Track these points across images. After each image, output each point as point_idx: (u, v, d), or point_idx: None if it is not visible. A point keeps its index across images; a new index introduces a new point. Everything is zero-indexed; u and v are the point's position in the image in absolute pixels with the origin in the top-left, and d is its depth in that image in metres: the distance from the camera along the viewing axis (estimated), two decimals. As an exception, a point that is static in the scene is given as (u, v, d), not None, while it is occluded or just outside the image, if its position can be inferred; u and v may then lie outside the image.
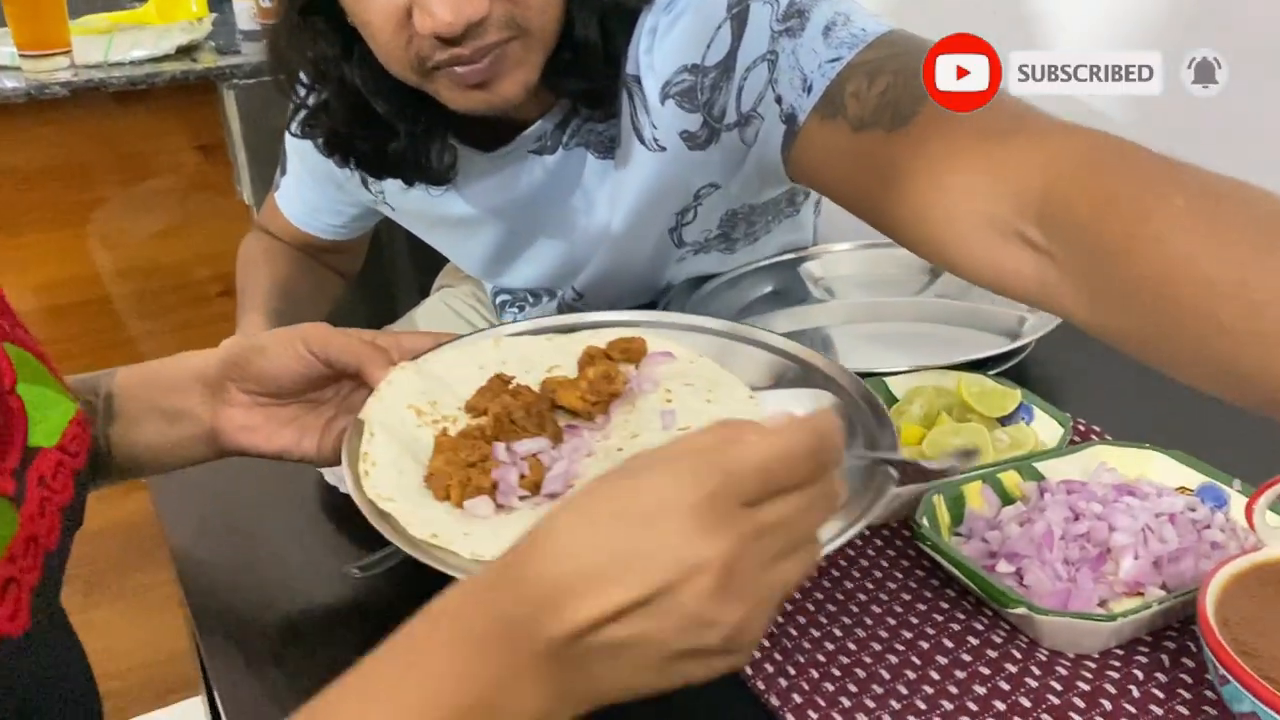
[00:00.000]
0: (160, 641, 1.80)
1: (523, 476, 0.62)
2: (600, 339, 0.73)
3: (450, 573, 0.54)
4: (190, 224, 1.88)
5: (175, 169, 1.85)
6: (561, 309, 1.07)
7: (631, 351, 0.72)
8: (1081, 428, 0.81)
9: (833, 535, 0.52)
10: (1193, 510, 0.66)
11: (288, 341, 0.67)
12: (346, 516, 0.76)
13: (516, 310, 1.13)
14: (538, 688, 0.40)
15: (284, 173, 1.12)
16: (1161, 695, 0.56)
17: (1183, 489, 0.70)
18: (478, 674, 0.40)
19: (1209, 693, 0.56)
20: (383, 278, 1.72)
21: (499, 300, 1.15)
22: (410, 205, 1.02)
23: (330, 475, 0.78)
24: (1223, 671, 0.51)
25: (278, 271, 1.12)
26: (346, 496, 0.75)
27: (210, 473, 0.84)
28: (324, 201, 1.10)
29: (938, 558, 0.64)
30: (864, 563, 0.68)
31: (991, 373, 0.83)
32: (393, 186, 0.99)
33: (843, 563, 0.69)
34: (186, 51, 1.88)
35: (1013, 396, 0.79)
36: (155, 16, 1.96)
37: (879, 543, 0.71)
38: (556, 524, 0.41)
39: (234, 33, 2.04)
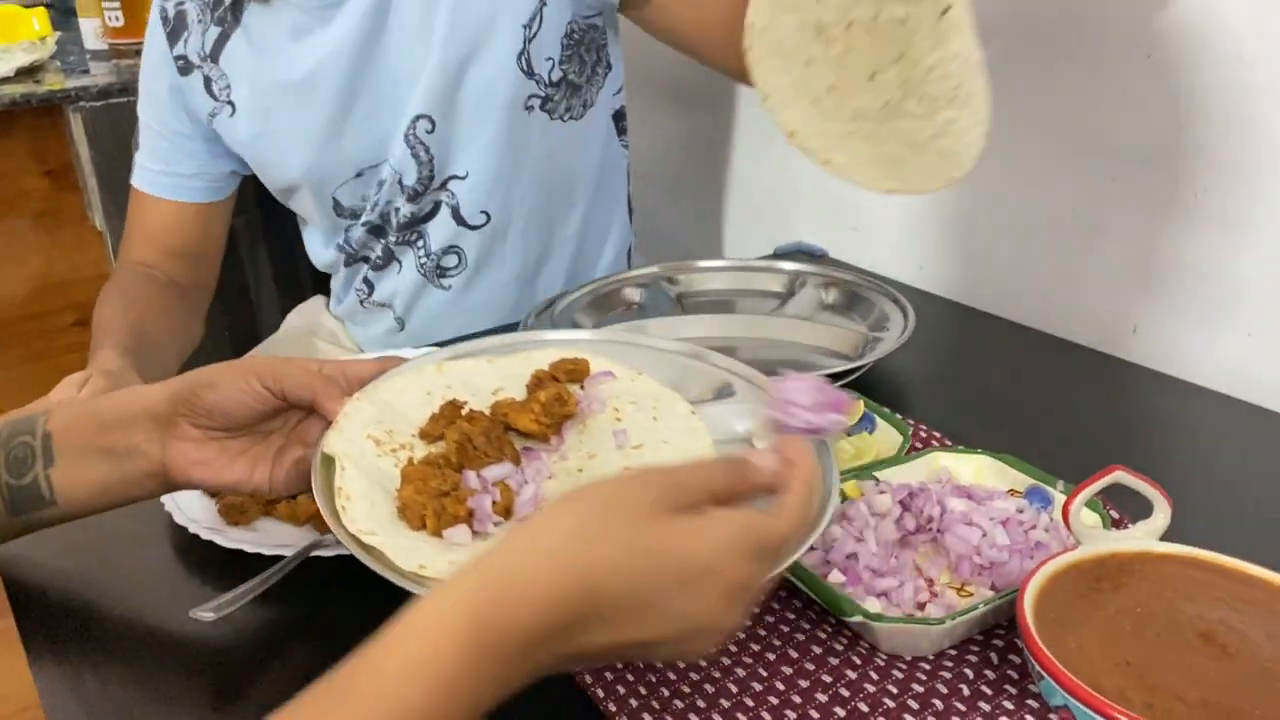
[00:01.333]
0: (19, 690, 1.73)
1: (494, 503, 0.64)
2: (540, 359, 0.75)
3: None
4: (40, 252, 1.81)
5: (22, 195, 1.78)
6: (413, 150, 1.11)
7: (576, 372, 0.74)
8: (922, 434, 0.84)
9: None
10: (1020, 512, 0.70)
11: (241, 376, 0.68)
12: (195, 559, 0.75)
13: (350, 251, 1.20)
14: (520, 683, 0.44)
15: (138, 147, 1.18)
16: (989, 692, 0.59)
17: (1013, 491, 0.74)
18: (484, 683, 0.43)
19: (1032, 687, 0.59)
20: (246, 302, 1.69)
21: (340, 245, 1.21)
22: (253, 89, 1.11)
23: (179, 515, 0.76)
24: (1038, 668, 0.54)
25: (133, 309, 1.11)
26: (195, 537, 0.74)
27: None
28: (176, 146, 1.16)
29: (781, 570, 0.66)
30: (716, 578, 0.70)
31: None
32: (233, 66, 1.10)
33: (695, 579, 0.70)
34: (30, 73, 1.81)
35: (856, 407, 0.82)
36: (-6, 37, 1.88)
37: (731, 557, 0.72)
38: (595, 548, 0.44)
39: (81, 52, 1.97)
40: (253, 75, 1.10)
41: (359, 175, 1.14)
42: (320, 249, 1.27)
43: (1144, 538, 0.62)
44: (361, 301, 1.26)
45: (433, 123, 1.10)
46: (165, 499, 0.78)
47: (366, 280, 1.24)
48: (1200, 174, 0.97)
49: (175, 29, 1.13)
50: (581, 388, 0.73)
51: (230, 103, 1.12)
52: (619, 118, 1.24)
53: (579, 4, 1.11)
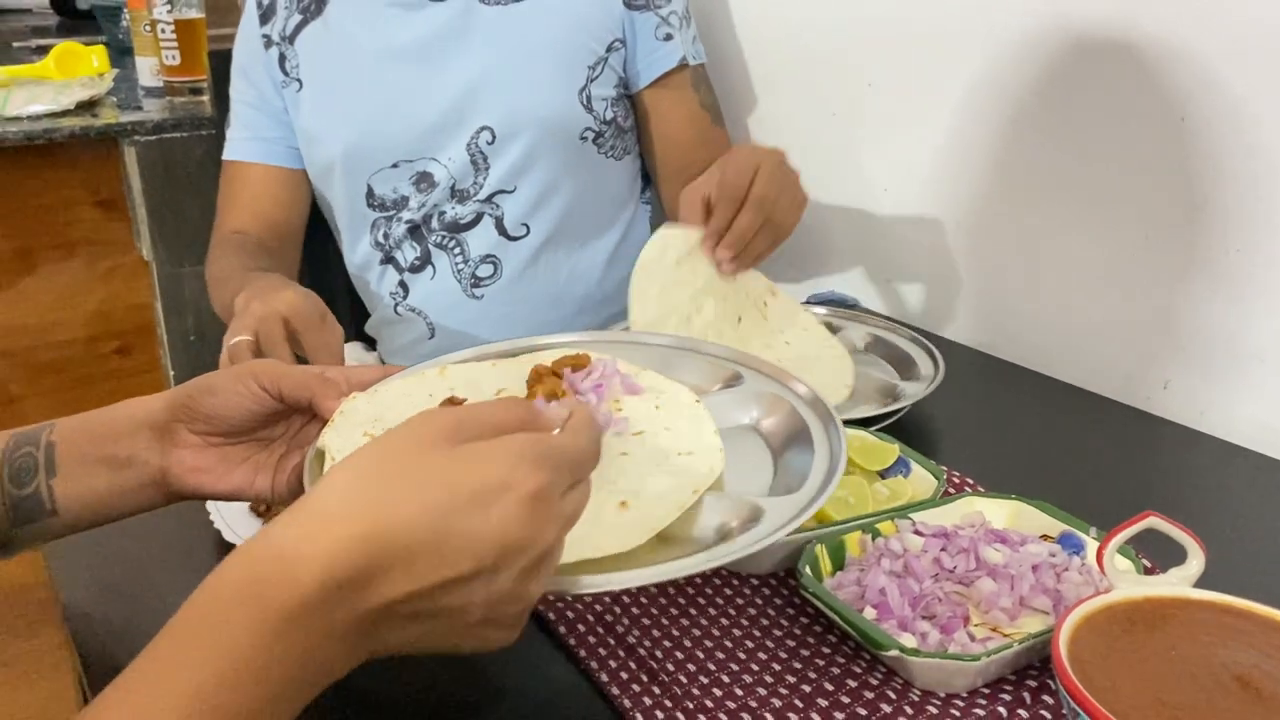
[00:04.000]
0: (43, 714, 1.73)
1: None
2: (544, 360, 0.76)
3: None
4: (88, 281, 1.85)
5: (73, 225, 1.82)
6: (473, 158, 1.21)
7: (577, 367, 0.74)
8: (956, 479, 0.85)
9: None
10: (1053, 556, 0.71)
11: (239, 379, 0.67)
12: (244, 574, 0.77)
13: (390, 220, 1.25)
14: (334, 655, 0.43)
15: (229, 125, 1.30)
16: (1023, 730, 0.60)
17: (1045, 536, 0.75)
18: (277, 656, 0.41)
19: (1066, 727, 0.60)
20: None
21: (378, 241, 1.27)
22: (322, 68, 1.23)
23: (229, 533, 0.78)
24: (1074, 706, 0.55)
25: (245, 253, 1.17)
26: (244, 554, 0.76)
27: (105, 531, 0.83)
28: (262, 112, 1.27)
29: (817, 604, 0.67)
30: (752, 611, 0.71)
31: (872, 429, 0.88)
32: (306, 48, 1.24)
33: (731, 612, 0.71)
34: (87, 107, 1.87)
35: (891, 451, 0.83)
36: (55, 72, 1.95)
37: (766, 591, 0.74)
38: (377, 490, 0.42)
39: (136, 89, 2.03)
40: (324, 57, 1.24)
41: (395, 166, 1.22)
42: (355, 251, 1.31)
43: (1179, 584, 0.63)
44: (395, 307, 1.30)
45: (494, 135, 1.20)
46: (214, 516, 0.80)
47: (403, 284, 1.29)
48: (1231, 235, 0.98)
49: (266, 13, 1.28)
50: (585, 377, 0.74)
51: (298, 79, 1.25)
52: (645, 177, 1.39)
53: (631, 69, 1.28)
